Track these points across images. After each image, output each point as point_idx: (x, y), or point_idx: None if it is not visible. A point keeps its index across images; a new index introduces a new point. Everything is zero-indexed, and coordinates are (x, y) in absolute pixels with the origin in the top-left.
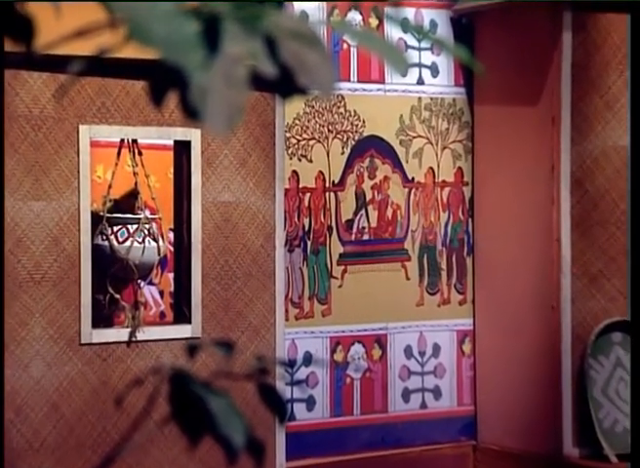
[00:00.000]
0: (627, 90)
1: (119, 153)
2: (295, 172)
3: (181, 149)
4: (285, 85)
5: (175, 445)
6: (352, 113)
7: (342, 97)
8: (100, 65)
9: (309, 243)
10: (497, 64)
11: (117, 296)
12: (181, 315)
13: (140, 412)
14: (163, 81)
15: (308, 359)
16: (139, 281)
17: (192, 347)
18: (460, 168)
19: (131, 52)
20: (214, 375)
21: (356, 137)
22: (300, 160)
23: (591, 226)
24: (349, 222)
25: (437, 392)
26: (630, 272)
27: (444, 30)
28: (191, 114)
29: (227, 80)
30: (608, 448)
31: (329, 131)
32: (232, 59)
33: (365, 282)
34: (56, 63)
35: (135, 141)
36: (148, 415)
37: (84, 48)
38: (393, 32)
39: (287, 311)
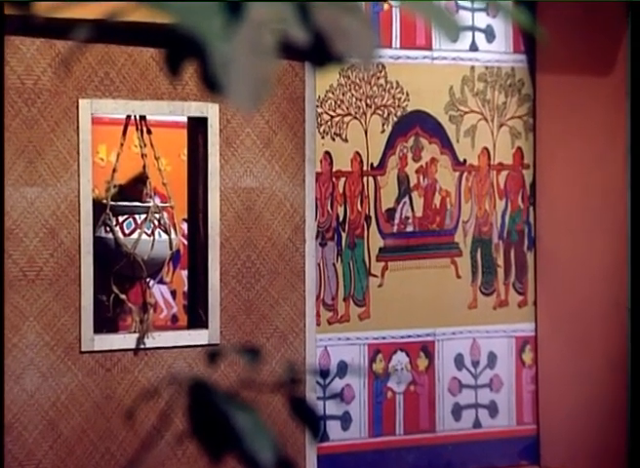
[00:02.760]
0: None
1: (125, 132)
2: (327, 153)
3: (197, 127)
4: (318, 53)
5: (190, 467)
6: (394, 85)
7: (383, 67)
8: (105, 31)
9: (344, 235)
10: (562, 28)
11: (123, 297)
12: (197, 319)
13: (151, 430)
14: (179, 49)
15: (343, 369)
16: (147, 279)
17: (213, 355)
18: (519, 148)
19: (140, 15)
20: (238, 386)
21: (399, 113)
22: (333, 139)
23: None
24: (391, 212)
25: (493, 408)
26: (630, 274)
27: None
28: (211, 87)
29: (253, 48)
30: None
31: (367, 105)
32: (258, 25)
33: (409, 280)
34: (55, 29)
35: (143, 118)
36: (160, 434)
37: (87, 11)
38: None
39: (318, 314)
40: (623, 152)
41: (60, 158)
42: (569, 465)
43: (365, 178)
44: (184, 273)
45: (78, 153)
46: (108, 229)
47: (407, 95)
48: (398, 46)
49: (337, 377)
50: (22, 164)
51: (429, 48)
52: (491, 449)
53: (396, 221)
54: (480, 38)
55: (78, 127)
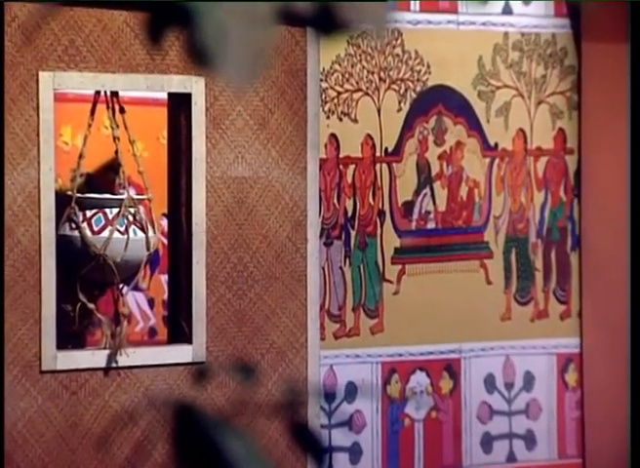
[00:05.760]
0: None
1: (93, 110)
2: (333, 136)
3: (179, 105)
4: (322, 17)
5: None
6: (413, 55)
7: (399, 34)
8: None
9: (353, 233)
10: None
11: (91, 307)
12: (179, 332)
13: (124, 464)
14: (163, 14)
15: (352, 392)
16: (120, 285)
17: (198, 375)
18: (561, 130)
19: None
20: (228, 412)
21: (418, 88)
22: (340, 119)
23: None
24: (408, 205)
25: (530, 439)
26: (630, 274)
27: None
28: (198, 59)
29: (248, 16)
30: None
31: (380, 79)
32: None
33: (430, 287)
34: None
35: (115, 94)
36: (135, 467)
37: None
38: None
39: (323, 327)
40: None
41: (16, 142)
42: None
43: (378, 166)
44: (164, 278)
45: (38, 136)
46: (74, 226)
47: (428, 66)
48: (417, 9)
49: (344, 401)
50: None
51: (454, 11)
52: None
53: (415, 217)
54: None
55: (38, 105)
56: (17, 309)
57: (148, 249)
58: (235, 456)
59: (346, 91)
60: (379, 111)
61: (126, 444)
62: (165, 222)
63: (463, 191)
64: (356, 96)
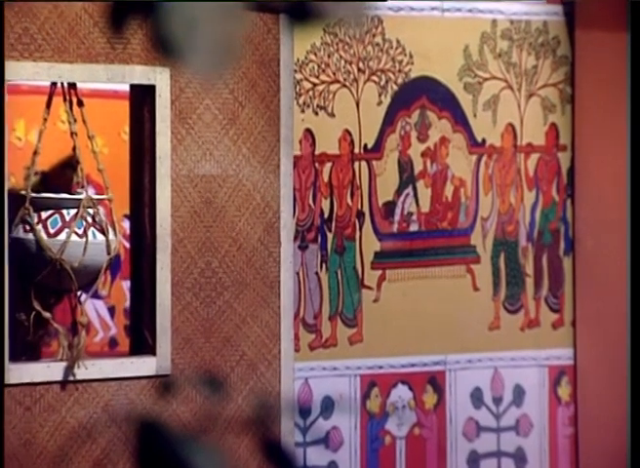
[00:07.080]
0: None
1: (49, 103)
2: (309, 131)
3: (142, 98)
4: (297, 5)
5: None
6: (394, 44)
7: (380, 21)
8: None
9: (330, 236)
10: None
11: (47, 315)
12: (142, 343)
13: None
14: (125, 1)
15: (329, 407)
16: (78, 293)
17: (162, 388)
18: (553, 124)
19: None
20: (197, 427)
21: (400, 80)
22: (316, 113)
23: None
24: (390, 206)
25: (520, 457)
26: (630, 276)
27: None
28: (163, 49)
29: (217, 4)
30: None
31: (359, 70)
32: None
33: (412, 294)
34: None
35: (72, 86)
36: None
37: None
38: None
39: (297, 337)
40: None
41: None
42: None
43: (357, 164)
44: (126, 284)
45: None
46: (28, 228)
47: (410, 56)
48: None
49: (320, 417)
50: None
51: None
52: None
53: (396, 218)
54: None
55: None
56: None
57: (109, 253)
58: None
59: (323, 82)
60: (357, 104)
61: (84, 463)
62: (127, 224)
63: (449, 191)
64: (333, 88)
